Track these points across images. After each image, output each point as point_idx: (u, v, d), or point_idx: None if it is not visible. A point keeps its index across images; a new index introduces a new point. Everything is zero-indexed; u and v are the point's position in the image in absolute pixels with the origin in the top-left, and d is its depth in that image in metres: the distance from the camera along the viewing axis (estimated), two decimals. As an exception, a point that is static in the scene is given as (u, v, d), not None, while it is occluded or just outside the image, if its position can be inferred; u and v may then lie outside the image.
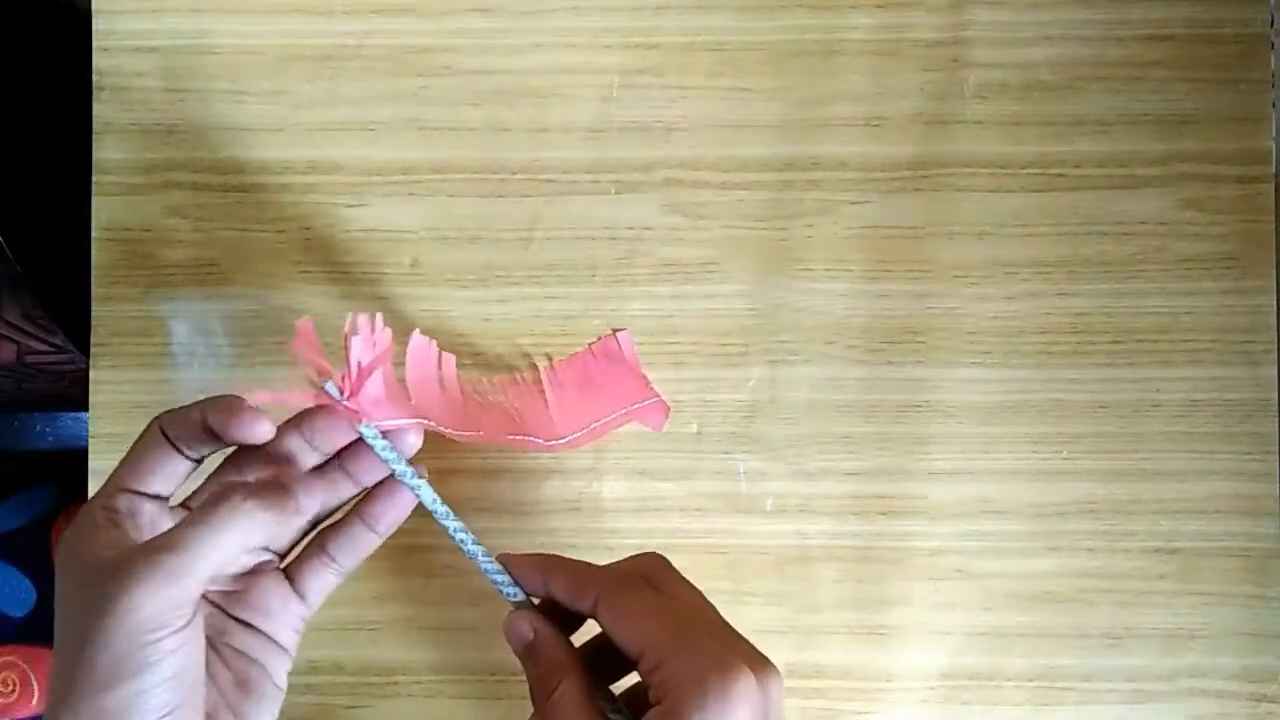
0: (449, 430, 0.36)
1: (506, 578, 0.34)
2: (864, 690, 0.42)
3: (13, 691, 0.49)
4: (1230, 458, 0.42)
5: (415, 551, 0.42)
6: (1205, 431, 0.42)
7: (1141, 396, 0.42)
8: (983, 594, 0.42)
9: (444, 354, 0.38)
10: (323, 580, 0.35)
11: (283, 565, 0.35)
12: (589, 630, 0.34)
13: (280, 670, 0.34)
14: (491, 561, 0.34)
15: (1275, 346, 0.42)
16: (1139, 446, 0.42)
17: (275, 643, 0.34)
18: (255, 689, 0.33)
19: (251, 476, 0.34)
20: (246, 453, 0.34)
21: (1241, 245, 0.42)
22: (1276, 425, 0.42)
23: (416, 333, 0.38)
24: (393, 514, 0.35)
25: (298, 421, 0.34)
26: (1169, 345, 0.42)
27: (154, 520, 0.32)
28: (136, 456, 0.32)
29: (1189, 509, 0.42)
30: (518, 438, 0.38)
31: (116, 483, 0.32)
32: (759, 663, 0.30)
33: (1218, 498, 0.42)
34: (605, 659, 0.33)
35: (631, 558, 0.34)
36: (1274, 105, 0.42)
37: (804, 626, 0.42)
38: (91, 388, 0.42)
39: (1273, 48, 0.42)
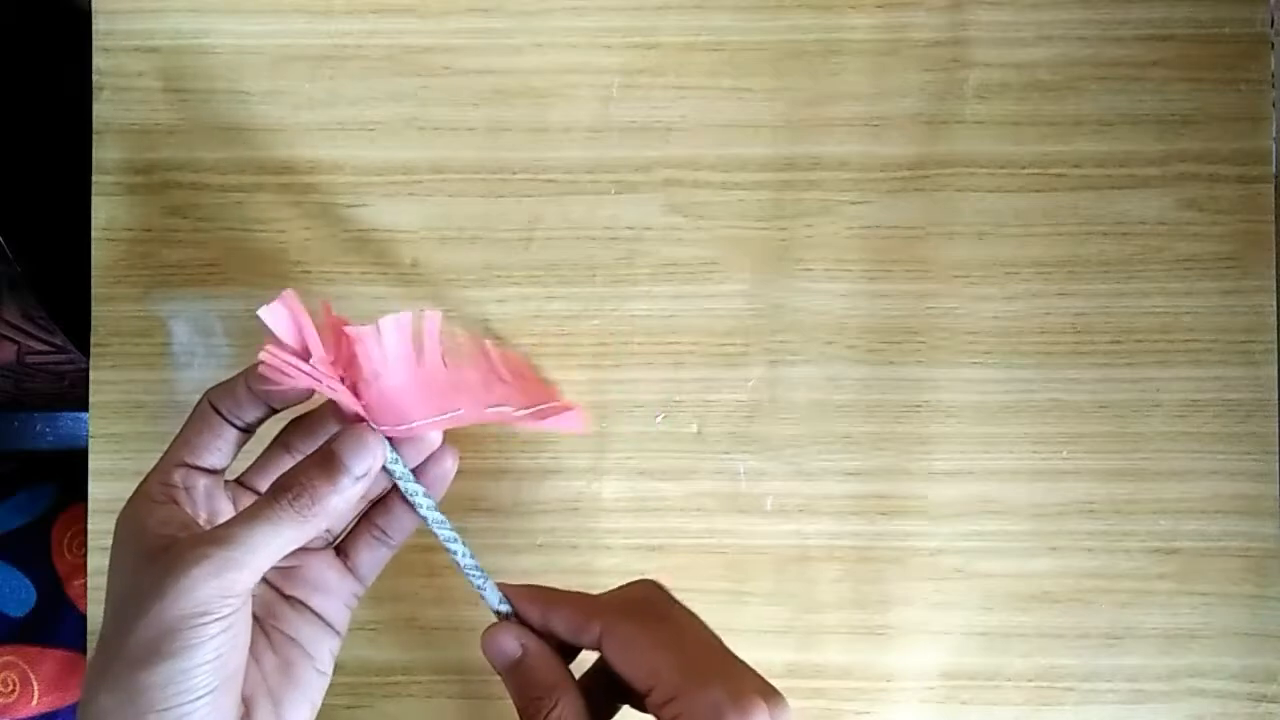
0: (433, 422, 0.34)
1: (491, 585, 0.34)
2: (864, 690, 0.42)
3: (12, 691, 0.49)
4: (1230, 458, 0.42)
5: (415, 551, 0.42)
6: (1205, 431, 0.42)
7: (1141, 396, 0.42)
8: (983, 594, 0.42)
9: (427, 314, 0.34)
10: (375, 555, 0.35)
11: (335, 542, 0.36)
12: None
13: (326, 653, 0.34)
14: (480, 572, 0.34)
15: (1275, 346, 0.42)
16: (1139, 446, 0.42)
17: (325, 622, 0.34)
18: (298, 676, 0.33)
19: (299, 453, 0.34)
20: (295, 429, 0.34)
21: (1241, 245, 0.42)
22: (1276, 425, 0.42)
23: (387, 318, 0.33)
24: (433, 489, 0.35)
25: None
26: (1169, 345, 0.42)
27: (209, 494, 0.33)
28: (190, 431, 0.33)
29: (1189, 509, 0.42)
30: (496, 411, 0.36)
31: (172, 458, 0.33)
32: (770, 694, 0.29)
33: (1218, 498, 0.42)
34: (592, 695, 0.32)
35: (626, 585, 0.34)
36: (1274, 105, 0.42)
37: (804, 626, 0.42)
38: (91, 388, 0.42)
39: (1273, 48, 0.42)
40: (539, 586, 0.34)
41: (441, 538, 0.34)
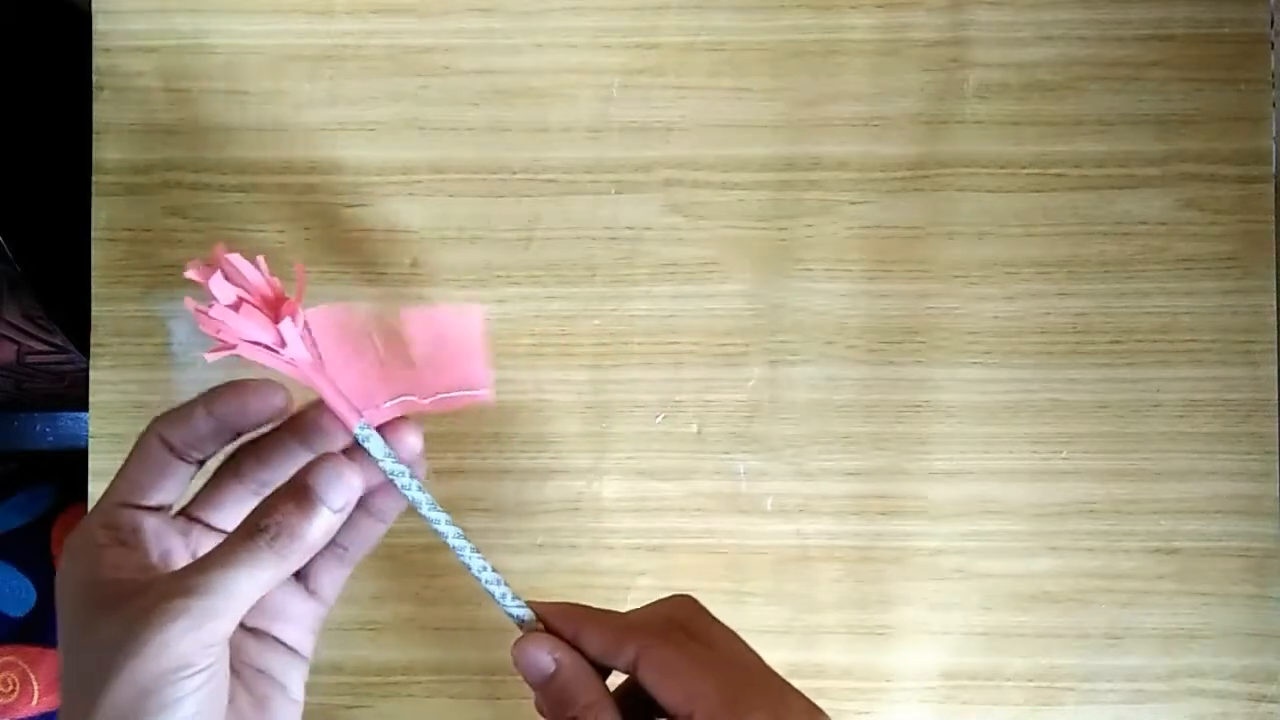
0: (402, 404, 0.32)
1: (506, 589, 0.32)
2: (864, 690, 0.42)
3: (12, 691, 0.49)
4: (1230, 458, 0.42)
5: (415, 551, 0.42)
6: (1205, 431, 0.42)
7: (1141, 396, 0.42)
8: (983, 594, 0.42)
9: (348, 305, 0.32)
10: (334, 574, 0.33)
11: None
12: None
13: (297, 680, 0.32)
14: (497, 580, 0.32)
15: (1275, 346, 0.42)
16: (1139, 446, 0.42)
17: (291, 650, 0.32)
18: (273, 710, 0.31)
19: (252, 480, 0.32)
20: (246, 455, 0.32)
21: (1241, 245, 0.42)
22: (1276, 425, 0.42)
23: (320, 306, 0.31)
24: (400, 502, 0.32)
25: (292, 426, 0.32)
26: (1169, 345, 0.42)
27: (158, 535, 0.30)
28: (135, 468, 0.30)
29: (1189, 509, 0.42)
30: (404, 399, 0.33)
31: (114, 498, 0.30)
32: (816, 716, 0.28)
33: (1218, 498, 0.42)
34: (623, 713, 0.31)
35: (660, 602, 0.32)
36: (1274, 105, 0.42)
37: (804, 626, 0.42)
38: (91, 388, 0.42)
39: (1273, 48, 0.42)
40: (569, 604, 0.32)
41: (458, 551, 0.32)
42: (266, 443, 0.32)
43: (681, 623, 0.31)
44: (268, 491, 0.31)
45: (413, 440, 0.32)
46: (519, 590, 0.32)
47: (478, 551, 0.32)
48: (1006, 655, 0.42)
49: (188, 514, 0.32)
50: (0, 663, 0.49)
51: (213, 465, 0.33)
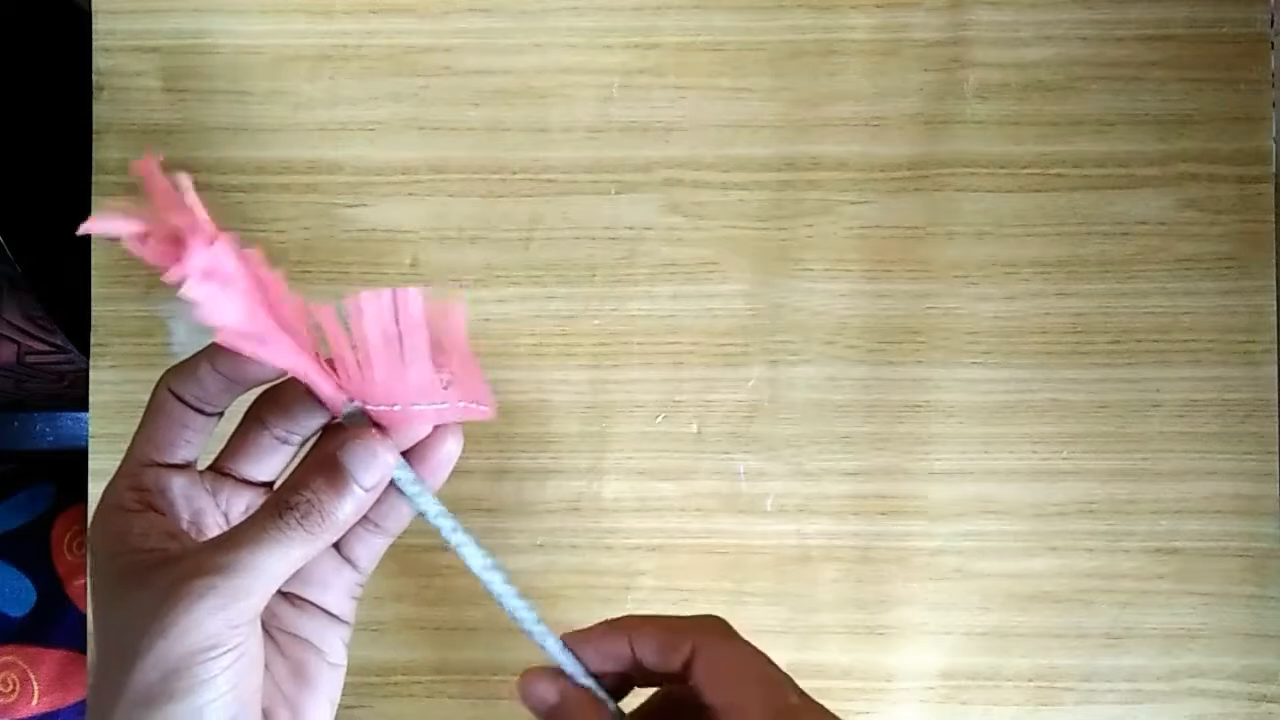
0: (419, 411, 0.31)
1: (532, 615, 0.31)
2: (864, 690, 0.42)
3: (12, 691, 0.49)
4: (1230, 458, 0.42)
5: (415, 551, 0.42)
6: (1205, 431, 0.42)
7: (1141, 396, 0.42)
8: (983, 594, 0.42)
9: (406, 292, 0.31)
10: (371, 547, 0.32)
11: None
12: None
13: (338, 645, 0.32)
14: (521, 603, 0.31)
15: (1275, 346, 0.42)
16: (1139, 446, 0.42)
17: (331, 615, 0.32)
18: (312, 676, 0.31)
19: (277, 428, 0.31)
20: (267, 403, 0.31)
21: (1241, 245, 0.42)
22: (1276, 425, 0.42)
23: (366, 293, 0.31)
24: (431, 480, 0.31)
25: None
26: (1169, 345, 0.42)
27: (187, 495, 0.30)
28: (153, 425, 0.30)
29: (1189, 509, 0.42)
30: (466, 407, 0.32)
31: (139, 457, 0.30)
32: None
33: (1218, 498, 0.42)
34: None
35: (693, 617, 0.32)
36: (1274, 105, 0.42)
37: (804, 626, 0.42)
38: (91, 388, 0.42)
39: (1273, 48, 0.42)
40: (612, 619, 0.32)
41: (476, 569, 0.31)
42: (284, 393, 0.31)
43: (726, 631, 0.31)
44: (295, 440, 0.31)
45: (450, 446, 0.31)
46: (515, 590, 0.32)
47: (507, 576, 0.31)
48: (1006, 655, 0.42)
49: (216, 468, 0.31)
50: (0, 663, 0.49)
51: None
